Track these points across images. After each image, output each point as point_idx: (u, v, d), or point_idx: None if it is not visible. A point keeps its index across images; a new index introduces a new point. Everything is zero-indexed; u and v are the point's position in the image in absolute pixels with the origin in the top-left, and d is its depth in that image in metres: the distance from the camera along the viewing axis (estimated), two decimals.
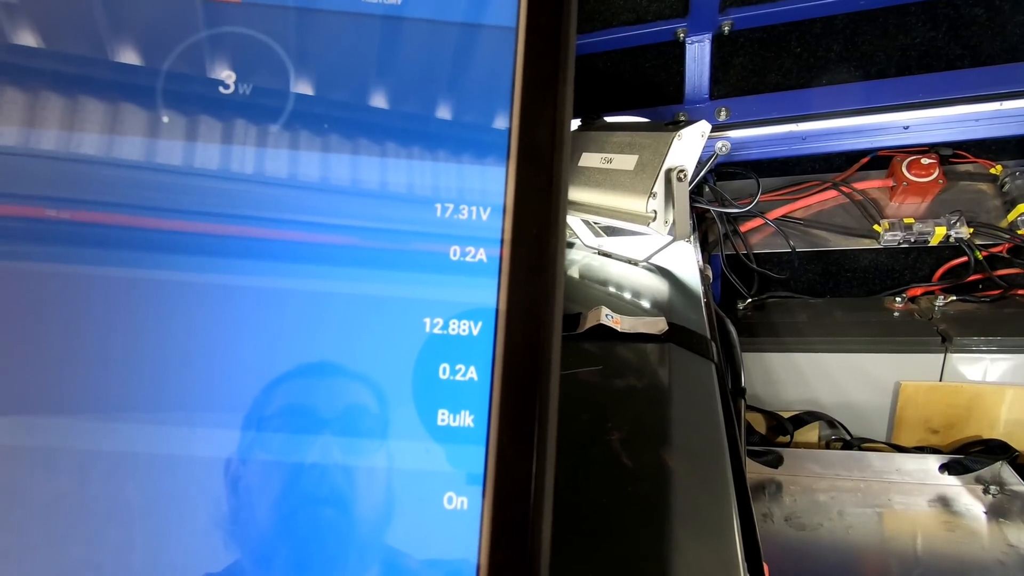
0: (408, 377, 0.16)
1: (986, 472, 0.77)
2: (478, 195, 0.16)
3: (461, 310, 0.16)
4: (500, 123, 0.17)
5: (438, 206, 0.16)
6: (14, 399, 0.18)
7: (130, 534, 0.17)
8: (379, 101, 0.17)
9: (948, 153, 0.89)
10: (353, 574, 0.15)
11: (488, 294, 0.16)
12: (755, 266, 0.95)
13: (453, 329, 0.16)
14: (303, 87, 0.18)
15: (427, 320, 0.16)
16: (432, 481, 0.15)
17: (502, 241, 0.16)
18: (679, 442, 0.37)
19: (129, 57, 0.18)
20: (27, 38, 0.18)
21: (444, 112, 0.17)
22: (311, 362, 0.16)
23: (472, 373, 0.16)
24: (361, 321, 0.16)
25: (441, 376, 0.16)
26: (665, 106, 0.96)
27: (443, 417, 0.16)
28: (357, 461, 0.16)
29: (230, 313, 0.17)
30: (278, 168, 0.18)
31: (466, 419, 0.16)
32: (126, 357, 0.18)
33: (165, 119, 0.18)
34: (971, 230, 0.84)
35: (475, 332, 0.16)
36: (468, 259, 0.16)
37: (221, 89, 0.17)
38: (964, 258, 0.87)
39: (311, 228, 0.18)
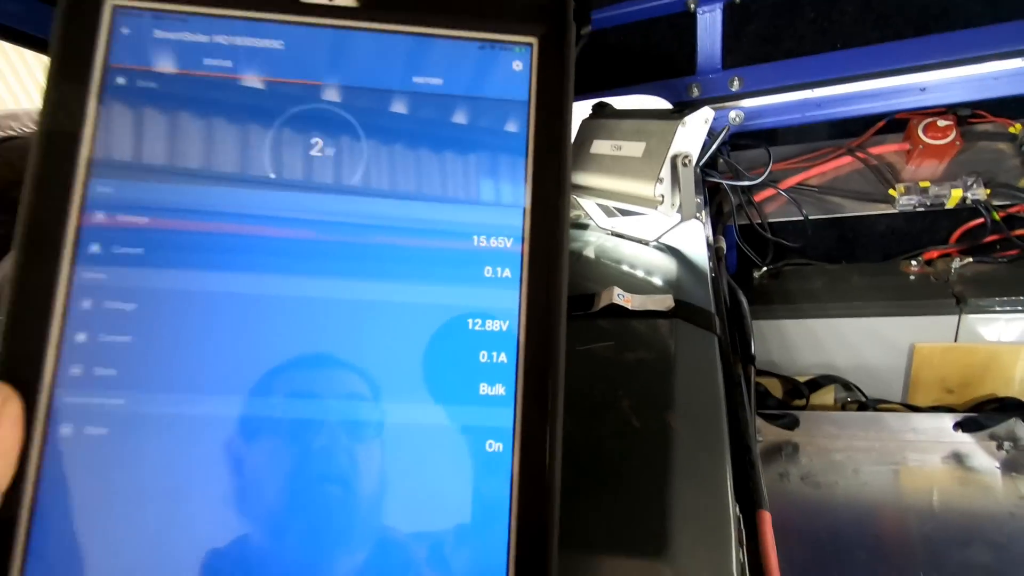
0: (458, 362, 0.23)
1: (1000, 428, 0.78)
2: (505, 229, 0.23)
3: (494, 313, 0.23)
4: (519, 176, 0.23)
5: (475, 237, 0.23)
6: None
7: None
8: (430, 159, 0.24)
9: (967, 113, 0.87)
10: (418, 503, 0.22)
11: (513, 301, 0.23)
12: (769, 235, 0.96)
13: (489, 327, 0.23)
14: (370, 149, 0.24)
15: (471, 320, 0.23)
16: (477, 433, 0.22)
17: (522, 263, 0.23)
18: (681, 406, 0.41)
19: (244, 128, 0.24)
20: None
21: (478, 167, 0.24)
22: (392, 352, 0.23)
23: (503, 357, 0.22)
24: (425, 323, 0.23)
25: (481, 360, 0.22)
26: (678, 78, 0.94)
27: (484, 389, 0.22)
28: (424, 420, 0.22)
29: (326, 317, 0.23)
30: (350, 210, 0.24)
31: (500, 390, 0.22)
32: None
33: (272, 175, 0.24)
34: (988, 191, 0.83)
35: (504, 328, 0.23)
36: (498, 276, 0.23)
37: (310, 152, 0.24)
38: (981, 219, 0.87)
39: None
